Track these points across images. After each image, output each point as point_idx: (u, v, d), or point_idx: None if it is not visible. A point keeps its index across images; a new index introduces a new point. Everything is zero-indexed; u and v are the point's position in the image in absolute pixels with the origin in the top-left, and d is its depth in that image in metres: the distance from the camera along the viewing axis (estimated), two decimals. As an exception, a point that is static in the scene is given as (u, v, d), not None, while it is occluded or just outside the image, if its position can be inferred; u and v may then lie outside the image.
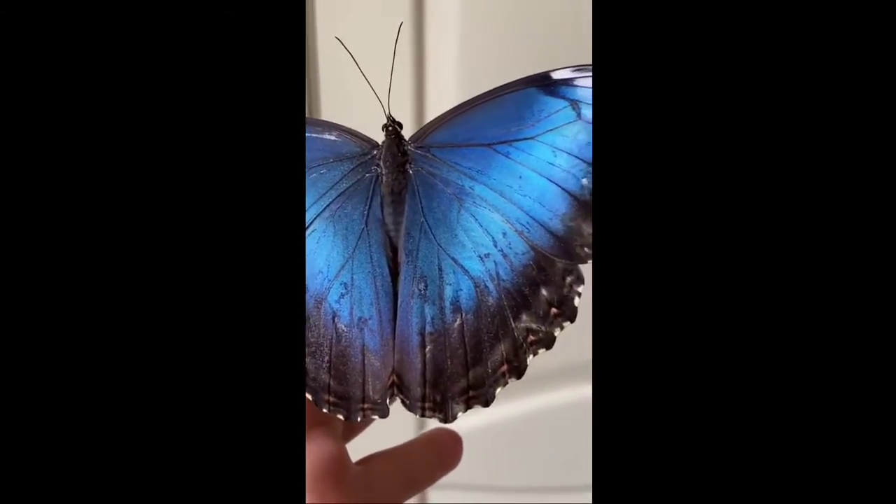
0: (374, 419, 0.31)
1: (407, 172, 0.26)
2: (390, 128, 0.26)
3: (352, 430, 0.30)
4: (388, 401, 0.26)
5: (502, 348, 0.26)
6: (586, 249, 0.25)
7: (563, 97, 0.25)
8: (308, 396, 0.26)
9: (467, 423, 0.64)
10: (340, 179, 0.27)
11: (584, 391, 0.61)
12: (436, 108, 0.49)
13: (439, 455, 0.31)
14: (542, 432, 0.66)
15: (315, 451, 0.26)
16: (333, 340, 0.26)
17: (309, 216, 0.26)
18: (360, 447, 0.30)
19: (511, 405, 0.64)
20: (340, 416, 0.27)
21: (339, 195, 0.26)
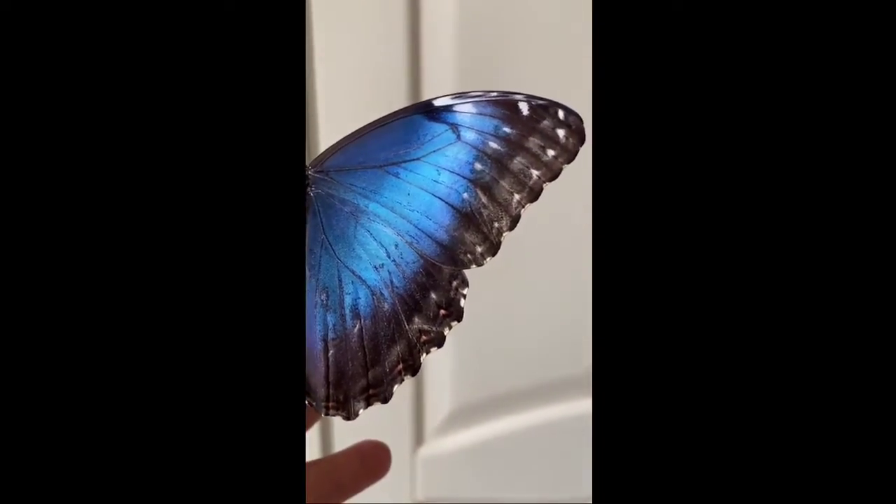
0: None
1: (308, 195, 0.29)
2: None
3: None
4: None
5: (398, 349, 0.28)
6: (469, 256, 0.28)
7: (445, 122, 0.28)
8: None
9: (466, 437, 0.65)
10: None
11: (582, 405, 0.63)
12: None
13: (365, 464, 0.33)
14: (541, 447, 0.67)
15: None
16: None
17: None
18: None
19: (510, 420, 0.65)
20: None
21: None
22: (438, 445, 0.64)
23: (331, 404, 0.29)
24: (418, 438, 0.64)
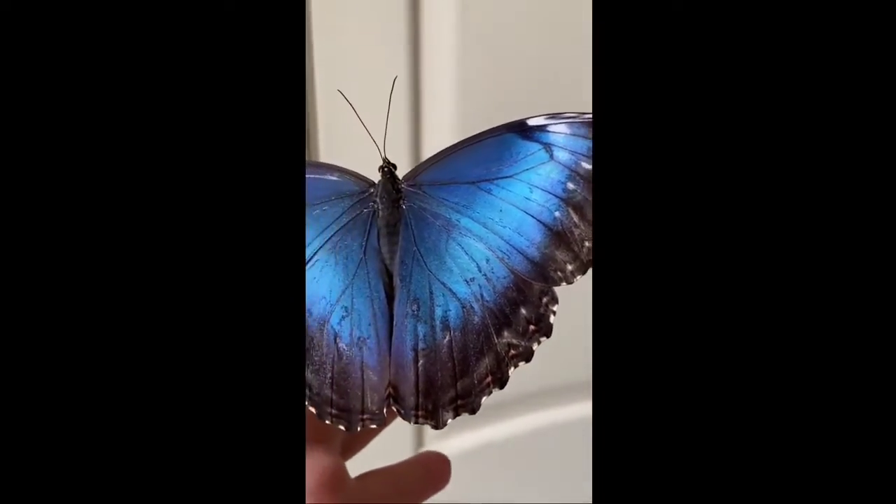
0: (371, 436, 0.34)
1: (401, 207, 0.30)
2: (385, 169, 0.30)
3: (351, 447, 0.33)
4: (384, 411, 0.29)
5: (487, 362, 0.29)
6: (559, 273, 0.29)
7: (538, 141, 0.29)
8: (312, 410, 0.29)
9: (467, 441, 0.65)
10: (341, 215, 0.30)
11: (584, 409, 0.64)
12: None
13: (429, 474, 0.34)
14: (542, 450, 0.68)
15: (315, 465, 0.29)
16: (335, 359, 0.29)
17: (313, 248, 0.30)
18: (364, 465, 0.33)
19: (511, 423, 0.67)
20: (342, 427, 0.29)
21: (340, 229, 0.30)
22: (439, 448, 0.64)
23: (420, 413, 0.29)
24: (419, 441, 0.64)
